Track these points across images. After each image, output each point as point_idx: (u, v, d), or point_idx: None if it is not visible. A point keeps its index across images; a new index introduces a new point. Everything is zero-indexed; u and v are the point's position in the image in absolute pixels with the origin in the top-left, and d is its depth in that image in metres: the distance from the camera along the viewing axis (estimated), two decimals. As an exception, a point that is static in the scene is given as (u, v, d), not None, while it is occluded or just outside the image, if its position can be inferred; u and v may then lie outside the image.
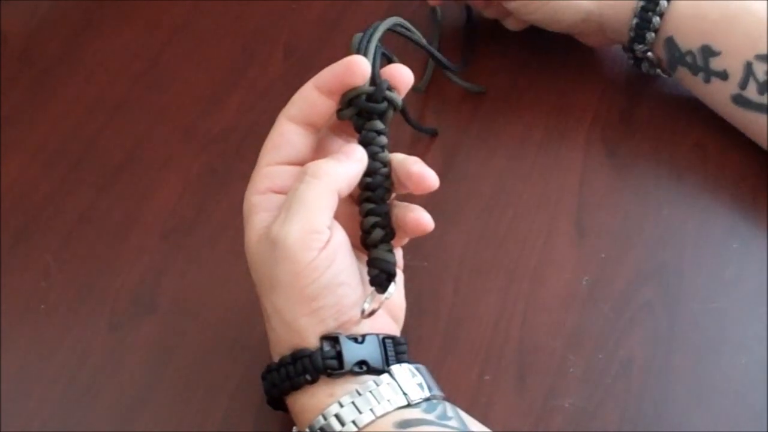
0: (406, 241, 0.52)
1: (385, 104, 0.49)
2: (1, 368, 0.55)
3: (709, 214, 0.61)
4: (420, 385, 0.46)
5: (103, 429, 0.53)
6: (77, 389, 0.55)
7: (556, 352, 0.55)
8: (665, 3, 0.59)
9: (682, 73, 0.60)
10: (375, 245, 0.49)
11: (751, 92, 0.57)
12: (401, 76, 0.50)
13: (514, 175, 0.63)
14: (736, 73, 0.57)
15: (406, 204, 0.50)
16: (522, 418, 0.53)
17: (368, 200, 0.49)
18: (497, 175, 0.63)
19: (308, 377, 0.46)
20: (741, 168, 0.63)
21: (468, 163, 0.64)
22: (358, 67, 0.48)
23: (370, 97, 0.49)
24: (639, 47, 0.60)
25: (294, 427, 0.49)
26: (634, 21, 0.60)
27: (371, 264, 0.48)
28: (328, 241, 0.46)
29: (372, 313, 0.48)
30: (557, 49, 0.69)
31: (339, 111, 0.50)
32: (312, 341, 0.46)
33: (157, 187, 0.64)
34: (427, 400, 0.46)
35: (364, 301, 0.48)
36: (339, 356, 0.46)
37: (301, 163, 0.49)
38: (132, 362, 0.56)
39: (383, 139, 0.49)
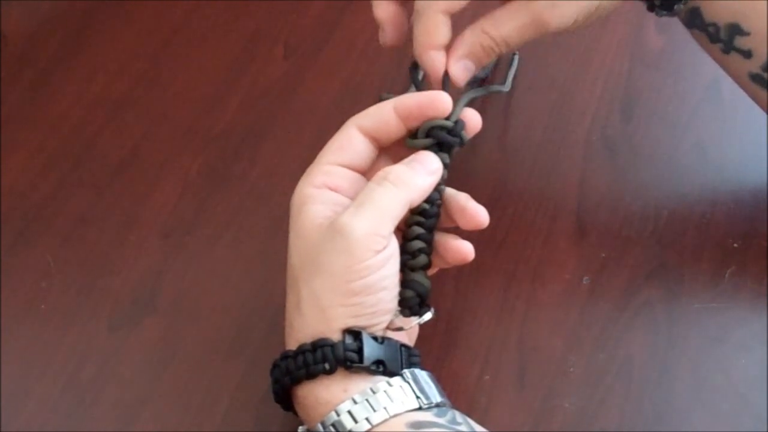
0: (435, 270, 0.53)
1: (458, 140, 0.51)
2: (1, 368, 0.56)
3: (710, 214, 0.61)
4: (431, 391, 0.47)
5: (103, 429, 0.53)
6: (77, 389, 0.55)
7: (556, 351, 0.55)
8: None
9: (699, 36, 0.58)
10: (415, 269, 0.50)
11: None
12: (473, 121, 0.52)
13: (514, 175, 0.63)
14: (762, 56, 0.56)
15: (447, 233, 0.52)
16: (522, 418, 0.53)
17: (419, 225, 0.50)
18: (497, 175, 0.63)
19: (327, 366, 0.46)
20: (741, 168, 0.63)
21: (468, 162, 0.64)
22: (441, 103, 0.51)
23: (449, 131, 0.51)
24: (662, 12, 0.58)
25: (300, 427, 0.49)
26: None
27: (408, 286, 0.50)
28: (385, 247, 0.47)
29: (399, 329, 0.49)
30: (557, 49, 0.69)
31: (412, 139, 0.51)
32: (335, 334, 0.47)
33: (157, 187, 0.64)
34: (437, 406, 0.47)
35: (395, 315, 0.49)
36: (359, 351, 0.46)
37: (360, 171, 0.51)
38: (132, 362, 0.56)
39: (445, 173, 0.51)
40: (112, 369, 0.55)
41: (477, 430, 0.47)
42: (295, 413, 0.49)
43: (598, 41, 0.70)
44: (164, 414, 0.54)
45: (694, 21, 0.57)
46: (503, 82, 0.64)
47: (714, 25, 0.56)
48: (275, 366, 0.48)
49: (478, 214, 0.51)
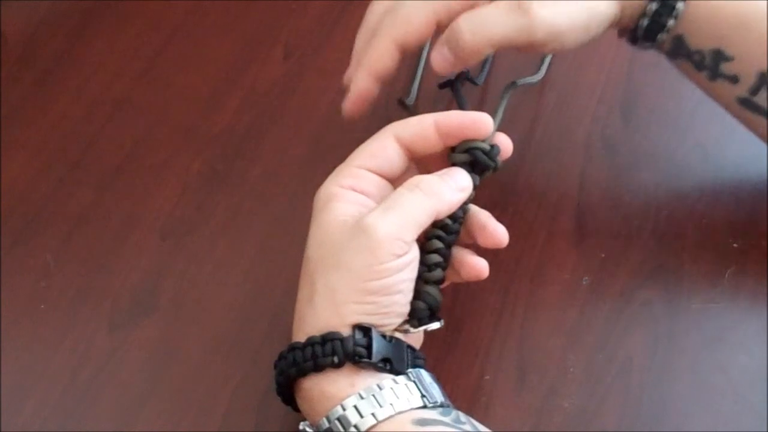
0: (447, 284, 0.53)
1: (493, 164, 0.52)
2: (1, 368, 0.56)
3: (709, 214, 0.61)
4: (435, 391, 0.47)
5: (103, 429, 0.53)
6: (77, 389, 0.55)
7: (556, 351, 0.55)
8: (681, 5, 0.55)
9: (684, 65, 0.58)
10: (429, 282, 0.50)
11: (762, 99, 0.56)
12: (503, 146, 0.53)
13: (514, 175, 0.63)
14: (748, 80, 0.56)
15: (463, 248, 0.52)
16: (522, 418, 0.53)
17: (439, 239, 0.50)
18: (497, 175, 0.63)
19: (336, 359, 0.46)
20: (741, 168, 0.63)
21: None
22: (484, 125, 0.51)
23: (486, 154, 0.51)
24: (646, 44, 0.58)
25: (301, 423, 0.49)
26: (646, 22, 0.56)
27: (421, 297, 0.50)
28: (406, 253, 0.48)
29: (405, 331, 0.49)
30: (557, 49, 0.69)
31: (454, 152, 0.52)
32: (345, 329, 0.47)
33: (157, 187, 0.64)
34: (440, 405, 0.47)
35: (404, 321, 0.49)
36: (368, 347, 0.46)
37: (389, 179, 0.51)
38: (132, 362, 0.56)
39: (473, 195, 0.52)
40: (112, 369, 0.55)
41: (481, 430, 0.47)
42: (294, 408, 0.49)
43: (598, 41, 0.70)
44: (164, 414, 0.54)
45: (679, 50, 0.57)
46: (535, 72, 0.64)
47: (699, 52, 0.56)
48: (281, 357, 0.48)
49: (498, 233, 0.51)
